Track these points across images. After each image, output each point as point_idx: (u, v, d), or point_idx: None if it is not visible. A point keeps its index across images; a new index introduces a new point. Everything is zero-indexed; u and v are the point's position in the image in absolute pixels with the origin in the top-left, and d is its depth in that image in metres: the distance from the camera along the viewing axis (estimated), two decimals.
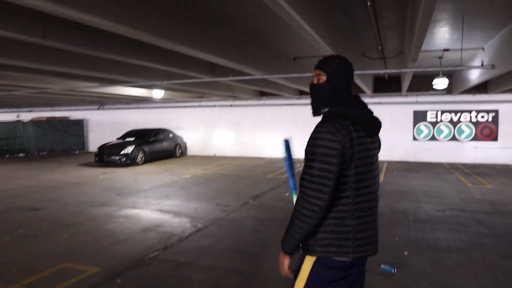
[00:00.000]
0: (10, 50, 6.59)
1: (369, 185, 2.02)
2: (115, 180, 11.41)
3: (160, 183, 10.79)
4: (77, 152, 21.33)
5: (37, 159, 18.14)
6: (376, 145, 2.19)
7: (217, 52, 6.62)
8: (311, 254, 1.95)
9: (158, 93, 13.99)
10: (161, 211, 7.45)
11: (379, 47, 8.93)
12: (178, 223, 6.55)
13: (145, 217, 6.99)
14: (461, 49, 8.45)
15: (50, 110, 22.65)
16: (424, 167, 13.72)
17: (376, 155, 2.17)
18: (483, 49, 9.27)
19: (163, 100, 18.62)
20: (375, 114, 2.16)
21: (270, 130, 17.68)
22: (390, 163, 15.09)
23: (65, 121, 21.70)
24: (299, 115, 17.20)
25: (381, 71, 8.51)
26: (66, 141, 21.39)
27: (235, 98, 17.18)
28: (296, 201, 1.92)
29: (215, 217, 6.96)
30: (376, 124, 2.13)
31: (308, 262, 1.97)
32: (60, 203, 8.28)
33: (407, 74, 9.34)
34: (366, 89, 13.53)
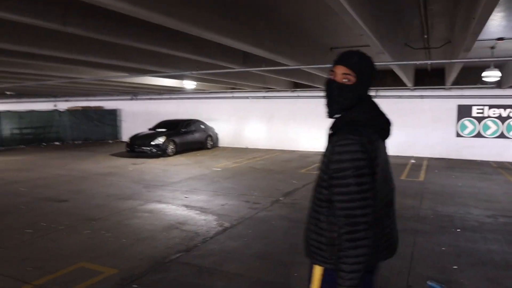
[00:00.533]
0: (36, 38, 6.38)
1: (386, 190, 1.92)
2: (145, 172, 11.23)
3: (189, 175, 10.51)
4: (110, 141, 21.53)
5: (71, 148, 18.38)
6: (385, 145, 2.02)
7: (250, 40, 6.16)
8: (324, 265, 1.84)
9: (189, 84, 13.70)
10: (187, 206, 7.13)
11: (425, 36, 8.21)
12: (204, 221, 6.19)
13: (170, 213, 6.68)
14: None
15: (85, 100, 22.96)
16: (468, 166, 12.80)
17: (388, 157, 2.04)
18: None
19: (195, 91, 18.40)
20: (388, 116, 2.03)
21: (303, 123, 17.10)
22: (430, 160, 14.22)
23: (99, 110, 21.94)
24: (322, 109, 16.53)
25: (429, 62, 7.81)
26: (100, 130, 21.63)
27: (268, 89, 16.70)
28: (341, 231, 1.68)
29: (244, 215, 6.56)
30: (390, 131, 2.02)
31: (318, 271, 1.87)
32: (87, 194, 8.13)
33: (456, 65, 8.56)
34: (408, 81, 12.73)
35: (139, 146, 14.75)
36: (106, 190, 8.55)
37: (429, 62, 7.79)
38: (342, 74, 1.82)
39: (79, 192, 8.33)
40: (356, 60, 1.84)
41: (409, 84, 13.31)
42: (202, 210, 6.88)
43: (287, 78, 11.79)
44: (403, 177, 10.54)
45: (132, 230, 5.76)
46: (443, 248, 5.03)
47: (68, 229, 5.78)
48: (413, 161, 13.77)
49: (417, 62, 8.06)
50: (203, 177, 10.33)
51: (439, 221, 6.28)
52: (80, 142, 21.21)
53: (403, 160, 14.02)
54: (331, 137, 1.83)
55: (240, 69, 8.33)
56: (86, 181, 9.70)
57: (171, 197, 7.89)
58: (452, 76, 10.67)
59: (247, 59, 8.44)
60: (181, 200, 7.67)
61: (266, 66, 7.77)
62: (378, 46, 6.10)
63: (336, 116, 1.87)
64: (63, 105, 23.24)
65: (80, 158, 14.53)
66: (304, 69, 9.33)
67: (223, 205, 7.27)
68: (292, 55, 7.62)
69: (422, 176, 10.63)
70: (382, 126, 1.92)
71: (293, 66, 7.92)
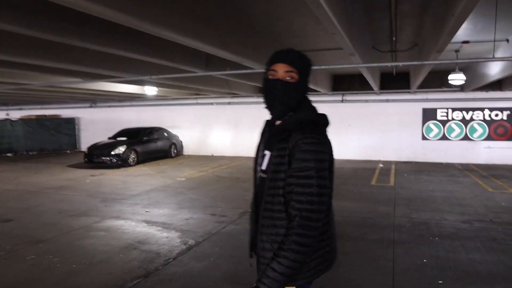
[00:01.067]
0: None
1: (331, 195, 1.83)
2: (103, 184, 10.48)
3: (151, 187, 9.86)
4: (68, 151, 20.40)
5: (25, 159, 17.20)
6: None
7: (214, 41, 5.69)
8: (293, 284, 1.67)
9: (150, 90, 13.05)
10: (148, 222, 6.53)
11: (394, 38, 8.04)
12: (166, 239, 5.62)
13: (128, 231, 6.06)
14: (496, 38, 7.52)
15: (41, 108, 21.69)
16: (435, 169, 12.81)
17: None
18: (507, 40, 8.35)
19: (158, 98, 17.70)
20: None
21: None
22: (398, 163, 14.18)
23: (56, 119, 20.74)
24: None
25: (401, 64, 7.61)
26: (57, 140, 20.44)
27: (233, 95, 16.26)
28: (292, 230, 1.56)
29: (210, 230, 6.04)
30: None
31: None
32: (35, 212, 7.35)
33: (424, 68, 8.42)
34: (374, 85, 12.64)
35: (98, 157, 13.89)
36: (58, 206, 7.79)
37: (400, 64, 7.58)
38: (285, 72, 1.72)
39: (27, 210, 7.53)
40: (298, 57, 1.75)
41: (375, 88, 13.24)
42: (165, 226, 6.31)
43: (252, 83, 11.37)
44: (373, 182, 10.33)
45: (85, 252, 5.12)
46: (424, 260, 4.71)
47: (8, 255, 5.06)
48: (381, 165, 13.69)
49: (390, 64, 7.86)
50: (166, 188, 9.71)
51: (415, 229, 6.00)
52: (35, 153, 19.94)
53: (371, 165, 13.90)
54: (280, 137, 1.69)
55: (203, 73, 7.83)
56: (36, 196, 8.87)
57: (131, 212, 7.25)
58: (419, 79, 10.61)
59: (210, 62, 7.96)
60: (141, 215, 7.06)
61: (230, 70, 7.30)
62: (350, 47, 5.79)
63: (287, 117, 1.76)
64: (16, 114, 21.86)
65: (33, 170, 13.51)
66: None
67: (187, 219, 6.72)
68: (258, 58, 7.21)
69: (392, 181, 10.46)
70: (328, 124, 1.84)
71: (258, 69, 7.51)
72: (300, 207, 1.57)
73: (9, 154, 19.33)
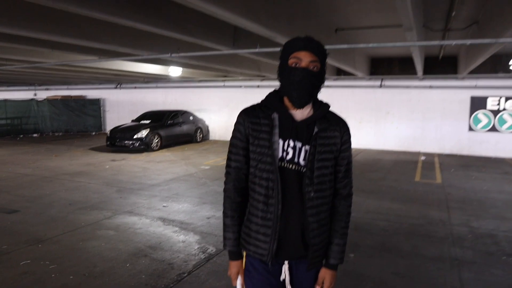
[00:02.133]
0: None
1: None
2: (122, 171, 9.82)
3: (172, 175, 9.13)
4: (93, 133, 20.04)
5: (49, 141, 16.89)
6: None
7: (243, 12, 4.76)
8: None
9: (175, 71, 12.25)
10: (164, 220, 5.75)
11: (453, 14, 6.85)
12: (182, 244, 4.82)
13: (141, 231, 5.30)
14: None
15: (67, 89, 21.39)
16: (485, 164, 11.53)
17: None
18: None
19: (183, 79, 16.94)
20: None
21: None
22: (441, 156, 12.93)
23: (81, 100, 20.36)
24: (335, 98, 15.14)
25: (468, 42, 6.38)
26: (82, 121, 20.11)
27: (263, 78, 15.27)
28: (349, 208, 1.91)
29: None
30: None
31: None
32: (45, 203, 6.72)
33: (490, 49, 7.17)
34: (420, 69, 11.39)
35: (120, 140, 13.29)
36: (70, 196, 7.14)
37: (468, 42, 6.35)
38: (310, 62, 1.70)
39: (36, 199, 6.91)
40: (320, 47, 1.73)
41: (419, 72, 11.96)
42: (182, 226, 5.51)
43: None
44: (417, 178, 9.23)
45: (87, 259, 4.37)
46: None
47: (1, 257, 4.38)
48: (423, 157, 12.49)
49: (453, 42, 6.58)
50: (189, 177, 8.94)
51: (480, 243, 4.96)
52: (60, 134, 19.69)
53: (412, 157, 12.73)
54: (323, 129, 1.77)
55: (229, 51, 6.86)
56: (51, 183, 8.27)
57: (147, 206, 6.51)
58: (474, 63, 9.31)
59: (238, 39, 7.00)
60: (158, 210, 6.29)
61: (260, 48, 6.33)
62: (410, 20, 4.73)
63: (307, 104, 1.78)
64: (43, 94, 21.67)
65: (55, 152, 13.07)
66: None
67: (208, 218, 5.90)
68: (292, 34, 6.21)
69: (438, 177, 9.32)
70: None
71: None
72: (352, 185, 1.90)
73: (35, 135, 19.14)
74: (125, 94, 19.85)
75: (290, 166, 1.73)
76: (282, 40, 6.11)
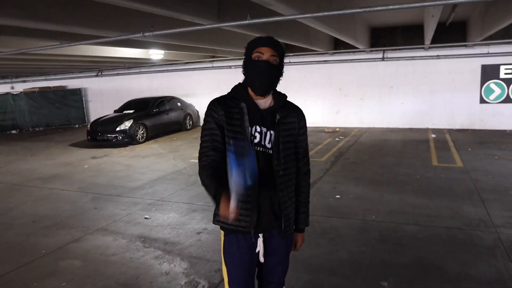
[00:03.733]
0: None
1: None
2: (102, 171, 8.71)
3: (158, 173, 8.04)
4: (76, 125, 18.79)
5: (28, 137, 15.68)
6: None
7: None
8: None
9: (156, 54, 11.01)
10: (145, 240, 4.68)
11: None
12: (166, 278, 3.76)
13: (115, 258, 4.23)
14: None
15: (45, 80, 19.99)
16: (502, 139, 10.52)
17: None
18: None
19: (169, 63, 15.67)
20: None
21: (297, 94, 14.56)
22: (452, 132, 11.92)
23: (60, 91, 19.00)
24: (333, 74, 14.05)
25: None
26: (63, 114, 18.80)
27: None
28: (308, 182, 2.21)
29: None
30: None
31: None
32: (4, 222, 5.62)
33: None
34: (430, 36, 10.23)
35: (102, 134, 12.12)
36: (36, 210, 6.04)
37: None
38: (271, 56, 1.92)
39: None
40: (279, 44, 1.97)
41: (427, 41, 10.81)
42: (167, 248, 4.44)
43: (281, 39, 9.14)
44: (434, 161, 8.19)
45: None
46: None
47: None
48: (433, 135, 11.45)
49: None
50: (177, 175, 7.86)
51: None
52: (41, 128, 18.41)
53: (421, 135, 11.70)
54: (279, 113, 2.02)
55: (214, 25, 5.65)
56: (18, 193, 7.16)
57: (125, 220, 5.43)
58: (497, 26, 8.16)
59: (223, 9, 5.78)
60: (138, 224, 5.22)
61: (251, 19, 5.13)
62: None
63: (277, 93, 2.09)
64: (20, 87, 20.30)
65: (31, 151, 11.90)
66: (302, 21, 6.80)
67: (199, 233, 4.84)
68: (288, 1, 5.04)
69: (457, 159, 8.30)
70: None
71: (289, 15, 5.32)
72: (309, 163, 2.22)
73: (13, 132, 17.87)
74: (107, 82, 18.54)
75: (259, 148, 1.96)
76: (278, 7, 4.95)
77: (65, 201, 6.48)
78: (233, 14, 5.84)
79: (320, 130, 13.37)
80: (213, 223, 2.06)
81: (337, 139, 11.48)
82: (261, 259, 2.04)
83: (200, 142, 2.00)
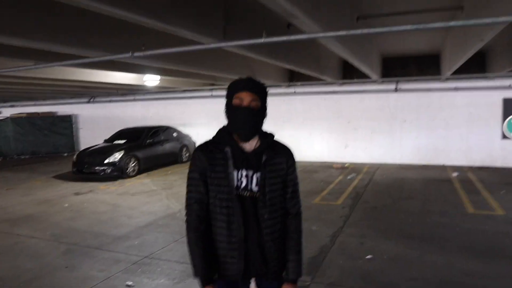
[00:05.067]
0: None
1: None
2: (84, 211, 7.53)
3: (148, 218, 6.87)
4: (65, 154, 17.57)
5: (11, 166, 14.52)
6: None
7: None
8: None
9: (151, 79, 10.04)
10: None
11: None
12: None
13: None
14: None
15: (34, 105, 18.94)
16: None
17: None
18: None
19: (165, 90, 14.71)
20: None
21: (302, 127, 13.59)
22: (473, 170, 10.86)
23: (49, 117, 17.93)
24: (342, 106, 13.11)
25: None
26: (51, 141, 17.64)
27: None
28: (299, 226, 2.12)
29: None
30: None
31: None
32: None
33: None
34: (449, 67, 9.35)
35: (88, 166, 10.96)
36: None
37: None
38: (251, 101, 1.92)
39: None
40: (259, 86, 1.97)
41: (447, 73, 9.91)
42: None
43: (282, 63, 7.99)
44: (469, 208, 7.06)
45: None
46: None
47: None
48: (455, 174, 10.38)
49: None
50: (170, 221, 6.69)
51: None
52: (26, 157, 17.21)
53: (440, 173, 10.65)
54: (270, 157, 1.99)
55: (219, 44, 4.60)
56: None
57: (100, 287, 4.24)
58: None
59: (231, 23, 4.75)
60: None
61: (268, 37, 4.12)
62: None
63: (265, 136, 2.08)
64: (7, 112, 19.23)
65: (8, 184, 10.70)
66: (322, 42, 5.83)
67: None
68: (314, 16, 4.05)
69: (495, 205, 7.20)
70: None
71: (312, 33, 4.32)
72: (300, 205, 2.13)
73: None
74: (99, 109, 17.51)
75: (245, 193, 1.93)
76: (303, 22, 3.94)
77: (31, 254, 5.28)
78: (242, 28, 4.85)
79: (328, 166, 12.29)
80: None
81: (349, 177, 10.37)
82: None
83: (187, 192, 2.00)
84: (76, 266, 4.84)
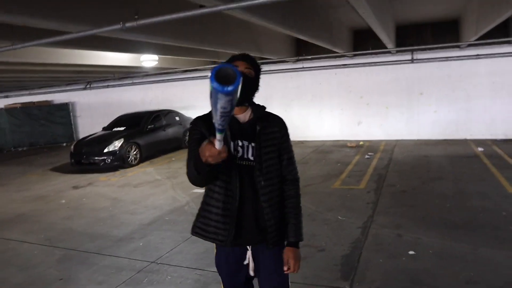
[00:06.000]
0: None
1: None
2: (82, 208, 6.85)
3: (153, 213, 6.18)
4: (64, 144, 16.86)
5: (7, 159, 13.90)
6: None
7: None
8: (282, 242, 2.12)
9: (148, 59, 9.22)
10: None
11: None
12: None
13: None
14: None
15: (29, 94, 18.14)
16: None
17: None
18: None
19: (164, 71, 13.89)
20: None
21: (311, 104, 12.79)
22: (498, 144, 10.08)
23: (45, 106, 17.14)
24: (353, 80, 12.26)
25: None
26: (49, 131, 16.92)
27: (261, 62, 12.25)
28: (297, 190, 2.14)
29: None
30: None
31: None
32: None
33: None
34: (475, 32, 8.49)
35: (87, 157, 10.24)
36: None
37: None
38: (246, 68, 1.98)
39: None
40: (254, 60, 2.05)
41: (473, 36, 9.03)
42: None
43: (288, 31, 7.00)
44: (509, 188, 6.32)
45: None
46: None
47: None
48: (480, 149, 9.62)
49: None
50: (177, 215, 6.00)
51: None
52: (24, 148, 16.53)
53: (463, 148, 9.92)
54: (260, 123, 2.03)
55: (227, 6, 3.76)
56: None
57: None
58: None
59: None
60: None
61: None
62: None
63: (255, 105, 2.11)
64: (1, 103, 18.47)
65: (4, 178, 10.06)
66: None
67: None
68: None
69: None
70: None
71: None
72: (296, 171, 2.16)
73: None
74: (97, 95, 16.71)
75: (242, 162, 1.98)
76: None
77: (21, 264, 4.61)
78: None
79: (341, 145, 11.53)
80: (192, 234, 2.11)
81: (366, 156, 9.63)
82: (251, 273, 2.06)
83: (189, 153, 1.98)
84: (72, 277, 4.17)
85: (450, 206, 5.59)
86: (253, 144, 1.99)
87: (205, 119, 2.00)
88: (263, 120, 2.05)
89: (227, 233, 1.96)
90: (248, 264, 2.05)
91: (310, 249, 4.37)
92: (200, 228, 2.06)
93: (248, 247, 2.05)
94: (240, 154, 1.98)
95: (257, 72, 2.05)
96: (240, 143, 1.98)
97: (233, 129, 1.98)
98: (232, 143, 1.96)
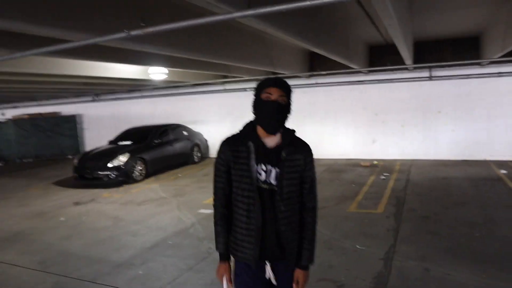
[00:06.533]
0: None
1: None
2: (82, 227, 6.46)
3: (155, 236, 5.77)
4: (70, 156, 16.57)
5: (12, 171, 13.62)
6: None
7: None
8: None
9: (157, 72, 8.92)
10: None
11: None
12: None
13: None
14: None
15: (37, 105, 18.00)
16: None
17: None
18: None
19: (173, 85, 13.63)
20: None
21: (325, 121, 12.39)
22: None
23: (52, 118, 16.96)
24: (369, 97, 11.86)
25: None
26: (56, 143, 16.68)
27: (275, 75, 11.91)
28: (314, 218, 2.21)
29: None
30: None
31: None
32: None
33: None
34: (502, 48, 8.07)
35: (91, 171, 9.91)
36: None
37: None
38: (279, 96, 2.05)
39: None
40: (286, 84, 2.10)
41: (499, 53, 8.59)
42: None
43: (304, 44, 6.57)
44: None
45: None
46: None
47: None
48: (503, 171, 9.10)
49: None
50: (182, 239, 5.58)
51: None
52: (30, 160, 16.29)
53: (485, 169, 9.42)
54: (288, 149, 2.10)
55: (243, 13, 3.38)
56: None
57: None
58: None
59: None
60: None
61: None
62: None
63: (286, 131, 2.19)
64: (10, 113, 18.38)
65: (7, 191, 9.77)
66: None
67: None
68: None
69: None
70: None
71: None
72: (316, 200, 2.22)
73: None
74: (105, 107, 16.48)
75: (264, 185, 2.07)
76: None
77: None
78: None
79: (355, 164, 11.07)
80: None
81: (382, 176, 9.16)
82: (274, 282, 2.16)
83: (213, 179, 2.18)
84: None
85: (479, 236, 5.10)
86: (277, 169, 2.06)
87: (232, 142, 2.11)
88: (289, 146, 2.09)
89: (252, 252, 2.08)
90: (269, 278, 2.16)
91: (328, 284, 3.90)
92: (230, 245, 2.18)
93: (266, 261, 2.14)
94: (263, 177, 2.06)
95: (289, 96, 2.08)
96: (263, 167, 2.06)
97: (259, 153, 2.06)
98: (257, 166, 2.05)
